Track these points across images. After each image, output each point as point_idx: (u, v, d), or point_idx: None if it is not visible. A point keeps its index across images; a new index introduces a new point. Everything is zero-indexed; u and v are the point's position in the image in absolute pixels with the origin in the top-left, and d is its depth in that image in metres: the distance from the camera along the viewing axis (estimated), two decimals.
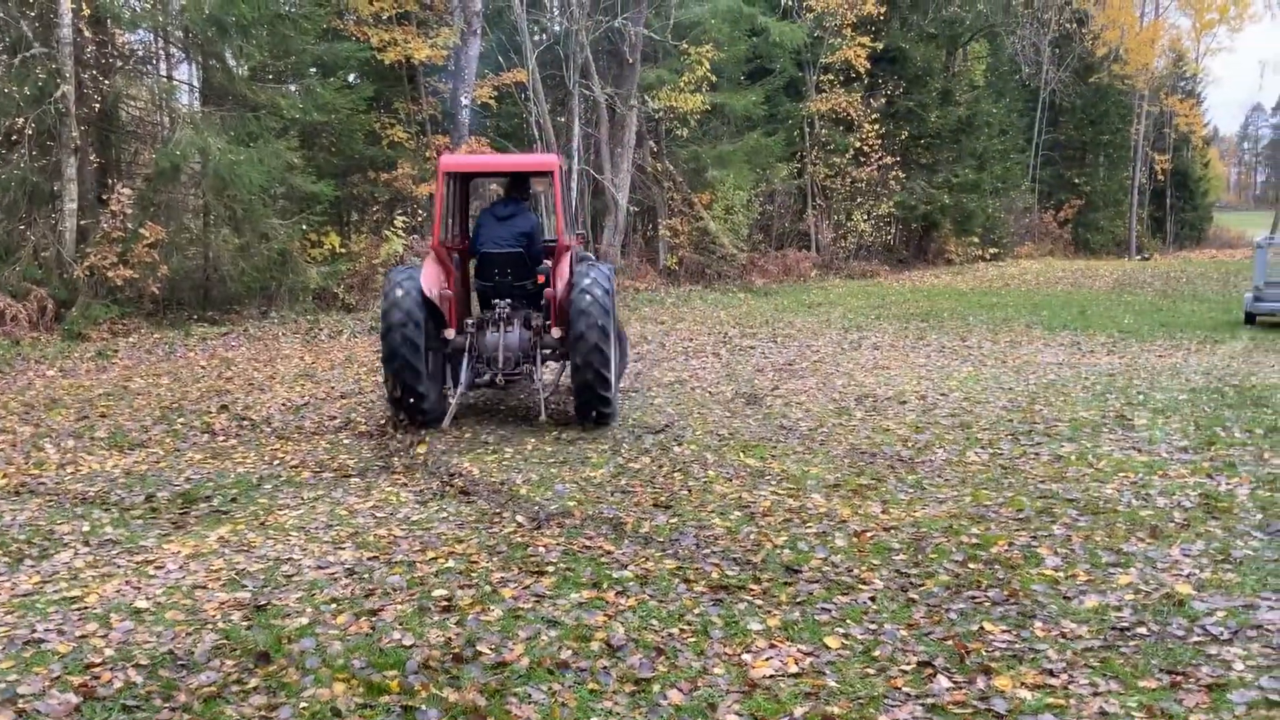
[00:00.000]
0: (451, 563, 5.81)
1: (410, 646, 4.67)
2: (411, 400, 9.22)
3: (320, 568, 5.78)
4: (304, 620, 4.99)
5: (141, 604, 5.24)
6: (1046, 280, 30.11)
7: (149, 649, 4.69)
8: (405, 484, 7.64)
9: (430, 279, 9.36)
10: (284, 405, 10.85)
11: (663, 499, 7.06)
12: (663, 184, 27.00)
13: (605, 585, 5.41)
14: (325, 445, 9.00)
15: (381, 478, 7.85)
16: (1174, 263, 39.73)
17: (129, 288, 16.02)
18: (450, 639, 4.74)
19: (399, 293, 9.11)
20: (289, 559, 5.93)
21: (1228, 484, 7.26)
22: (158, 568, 5.81)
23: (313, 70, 19.89)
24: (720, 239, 26.81)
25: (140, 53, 19.37)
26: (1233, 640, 4.56)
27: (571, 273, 9.38)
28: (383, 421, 9.84)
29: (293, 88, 19.07)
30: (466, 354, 9.59)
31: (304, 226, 18.36)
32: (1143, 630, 4.72)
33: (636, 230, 28.50)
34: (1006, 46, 43.45)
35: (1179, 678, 4.20)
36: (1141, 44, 43.53)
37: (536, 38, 25.72)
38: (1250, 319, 18.69)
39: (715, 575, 5.54)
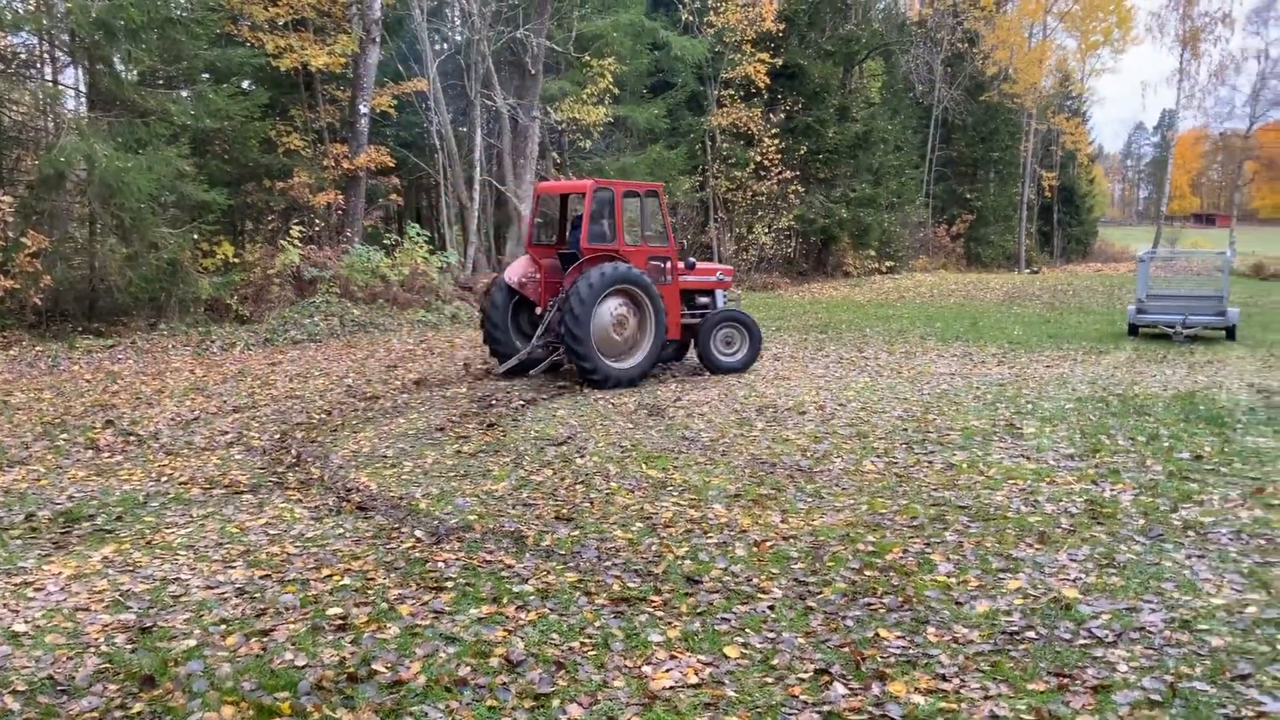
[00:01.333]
0: (347, 580, 5.69)
1: (303, 667, 4.56)
2: (491, 345, 13.32)
3: (209, 587, 5.61)
4: (191, 642, 4.84)
5: (19, 627, 5.02)
6: (940, 292, 30.89)
7: (27, 674, 4.49)
8: (300, 500, 7.47)
9: (515, 270, 13.23)
10: (173, 420, 10.53)
11: (565, 511, 7.04)
12: None
13: (505, 600, 5.36)
14: (216, 461, 8.76)
15: (275, 494, 7.66)
16: (1061, 276, 41.11)
17: (9, 299, 15.39)
18: (345, 658, 4.65)
19: (500, 278, 13.24)
20: (176, 579, 5.75)
21: (1112, 490, 7.52)
22: (37, 589, 5.58)
23: (205, 76, 19.40)
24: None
25: (23, 56, 18.64)
26: (1117, 642, 4.72)
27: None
28: (279, 436, 9.62)
29: (184, 93, 18.57)
30: (542, 325, 12.96)
31: (195, 236, 17.88)
32: (1031, 634, 4.85)
33: None
34: (901, 65, 44.57)
35: (1066, 680, 4.32)
36: (1030, 64, 45.05)
37: (437, 47, 25.54)
38: (1133, 330, 19.43)
39: (617, 587, 5.54)
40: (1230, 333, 19.00)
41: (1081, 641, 4.75)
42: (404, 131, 24.99)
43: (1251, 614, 5.01)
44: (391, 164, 22.36)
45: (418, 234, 21.69)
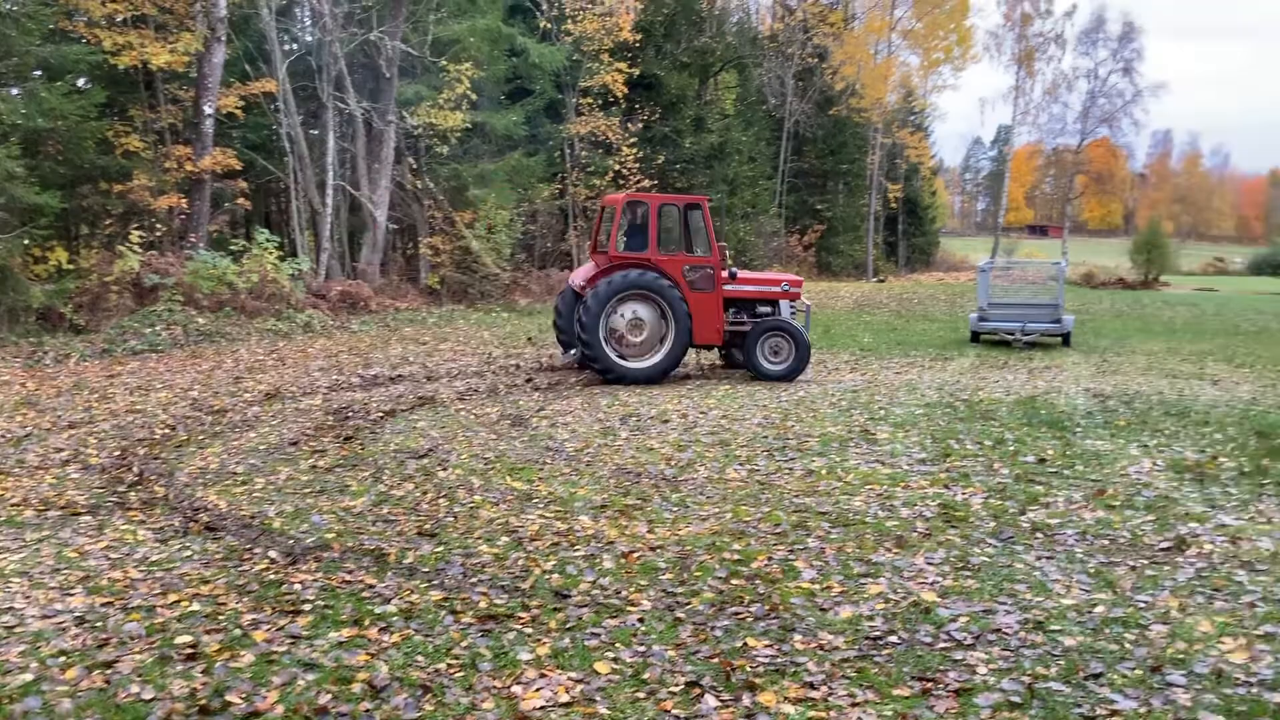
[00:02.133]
0: (196, 605, 5.41)
1: (151, 700, 4.30)
2: (559, 337, 14.72)
3: (46, 617, 5.26)
4: (28, 676, 4.52)
5: None
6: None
7: None
8: (143, 521, 7.09)
9: (579, 274, 14.57)
10: (2, 437, 9.88)
11: (427, 527, 6.87)
12: (423, 202, 26.54)
13: (367, 621, 5.18)
14: (51, 480, 8.24)
15: (116, 515, 7.24)
16: (906, 284, 42.58)
17: None
18: (196, 689, 4.41)
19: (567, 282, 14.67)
20: (9, 608, 5.37)
21: (963, 494, 7.78)
22: None
23: (37, 73, 18.34)
24: (482, 258, 26.60)
25: None
26: (975, 645, 4.86)
27: None
28: (119, 453, 9.12)
29: (14, 91, 17.51)
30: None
31: (26, 241, 16.85)
32: (894, 639, 4.95)
33: (396, 248, 27.89)
34: (754, 78, 45.45)
35: (929, 684, 4.42)
36: (876, 80, 46.52)
37: (287, 47, 24.77)
38: (975, 337, 20.23)
39: (483, 604, 5.42)
40: (1066, 339, 19.97)
41: (942, 645, 4.87)
42: (252, 134, 24.14)
43: (1100, 613, 5.23)
44: (238, 167, 21.58)
45: (267, 240, 20.97)
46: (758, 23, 51.71)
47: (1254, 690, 4.31)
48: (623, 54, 31.62)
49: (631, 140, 32.12)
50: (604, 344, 13.46)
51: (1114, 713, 4.12)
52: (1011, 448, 9.54)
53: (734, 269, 14.46)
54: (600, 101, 32.01)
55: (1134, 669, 4.54)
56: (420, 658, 4.75)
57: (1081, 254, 62.11)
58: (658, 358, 13.69)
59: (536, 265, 31.04)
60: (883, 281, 44.80)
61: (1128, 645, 4.82)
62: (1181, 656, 4.67)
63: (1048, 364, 16.73)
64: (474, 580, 5.81)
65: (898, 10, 49.69)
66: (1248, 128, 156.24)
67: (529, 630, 5.08)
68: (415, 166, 26.38)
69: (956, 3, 49.09)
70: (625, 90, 31.65)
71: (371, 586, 5.70)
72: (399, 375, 14.11)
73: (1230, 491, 7.90)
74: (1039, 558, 6.19)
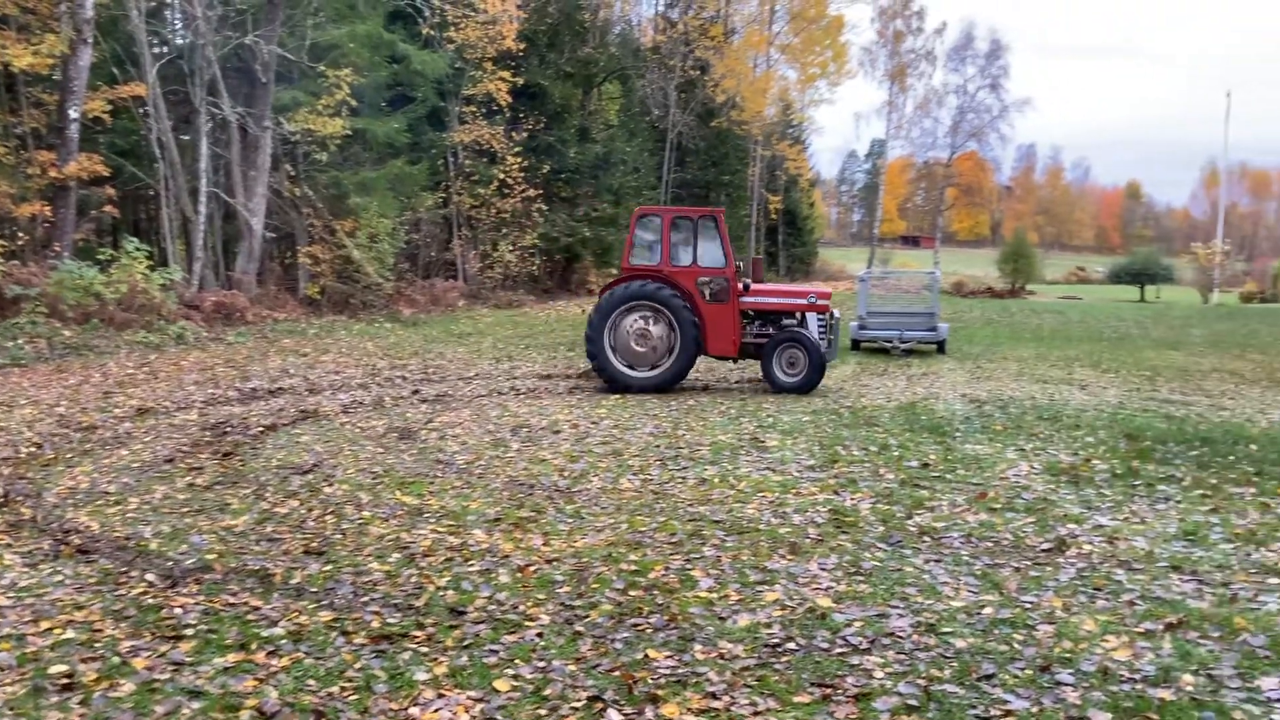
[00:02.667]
0: (71, 633, 5.13)
1: None
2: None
3: None
4: None
5: None
6: None
7: None
8: (9, 544, 6.69)
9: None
10: None
11: (314, 545, 6.66)
12: (302, 210, 25.90)
13: (254, 645, 4.98)
14: None
15: None
16: None
17: None
18: None
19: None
20: None
21: (852, 499, 7.91)
22: None
23: None
24: (364, 267, 26.09)
25: None
26: (871, 649, 4.92)
27: None
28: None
29: None
30: None
31: None
32: (792, 645, 4.99)
33: (274, 257, 27.14)
34: (637, 89, 45.73)
35: (829, 690, 4.46)
36: (755, 93, 47.29)
37: (157, 50, 23.88)
38: (855, 345, 20.69)
39: (376, 624, 5.27)
40: (941, 346, 20.58)
41: (839, 650, 4.93)
42: (120, 139, 23.17)
43: (988, 615, 5.36)
44: (106, 173, 20.68)
45: (136, 249, 20.15)
46: (640, 35, 52.08)
47: (1138, 687, 4.47)
48: (506, 63, 31.46)
49: (516, 149, 31.97)
50: (609, 353, 13.86)
51: (1008, 713, 4.22)
52: (896, 453, 9.75)
53: (747, 280, 14.48)
54: (484, 110, 31.78)
55: (1024, 669, 4.67)
56: (312, 681, 4.59)
57: (952, 264, 64.25)
58: (663, 368, 13.85)
59: (421, 275, 30.62)
60: None
61: (1017, 645, 4.95)
62: (1068, 655, 4.82)
63: (925, 371, 17.20)
64: (365, 599, 5.65)
65: (776, 25, 50.72)
66: (1106, 143, 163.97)
67: (425, 649, 4.96)
68: (293, 173, 25.73)
69: (832, 20, 50.39)
70: (509, 99, 31.50)
71: (257, 609, 5.50)
72: (279, 388, 13.71)
73: (1104, 493, 8.21)
74: (927, 561, 6.33)
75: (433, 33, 29.85)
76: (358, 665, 4.76)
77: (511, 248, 32.38)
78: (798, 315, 14.38)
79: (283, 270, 27.40)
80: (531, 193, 32.43)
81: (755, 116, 47.27)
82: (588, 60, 36.99)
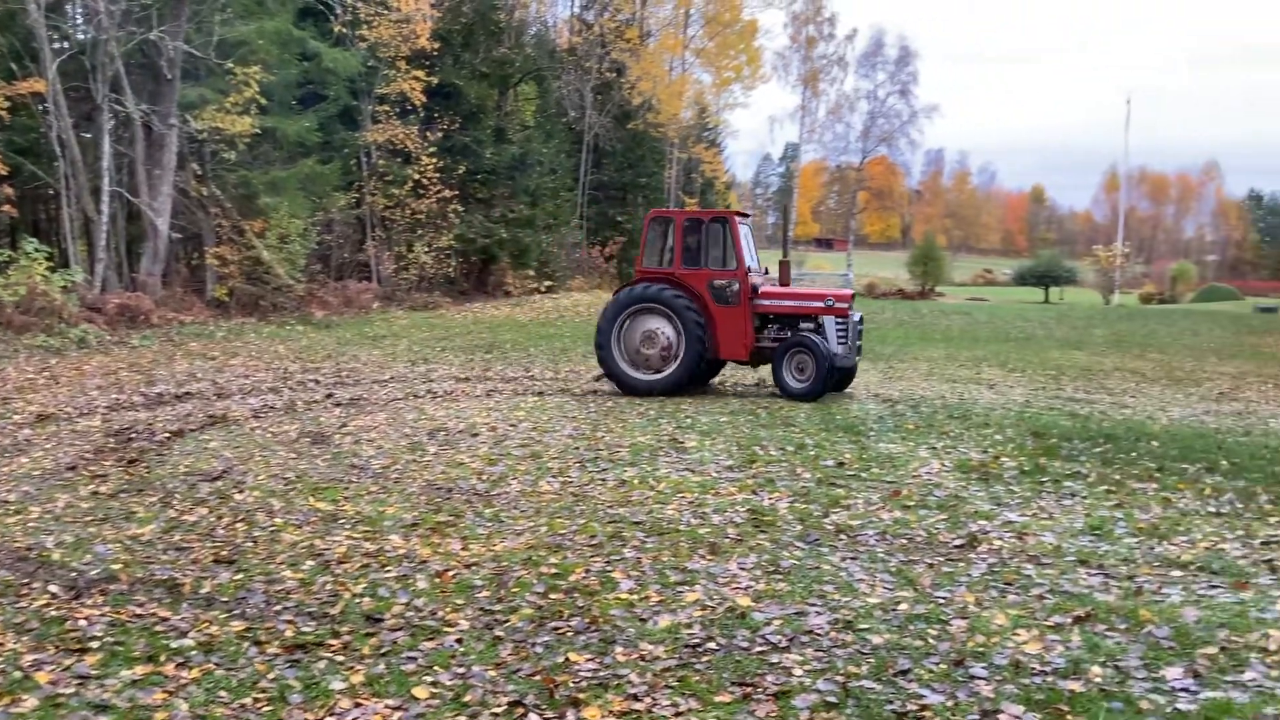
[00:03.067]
0: None
1: None
2: None
3: None
4: None
5: None
6: (596, 311, 31.75)
7: None
8: None
9: None
10: None
11: (225, 553, 6.49)
12: (209, 210, 25.27)
13: (163, 657, 4.84)
14: None
15: None
16: None
17: None
18: None
19: None
20: None
21: (770, 499, 7.99)
22: None
23: None
24: (275, 269, 25.56)
25: None
26: (790, 647, 4.96)
27: None
28: None
29: None
30: None
31: None
32: (713, 645, 5.00)
33: (180, 259, 26.45)
34: (553, 90, 45.58)
35: (749, 689, 4.48)
36: (671, 96, 47.48)
37: (57, 45, 23.08)
38: None
39: (290, 633, 5.16)
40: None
41: (759, 649, 4.96)
42: (18, 137, 22.32)
43: (904, 610, 5.45)
44: (3, 172, 19.98)
45: (36, 250, 19.47)
46: (556, 36, 51.93)
47: (1049, 679, 4.57)
48: (420, 62, 31.10)
49: (431, 149, 31.62)
50: (617, 356, 13.87)
51: (924, 708, 4.28)
52: (812, 452, 9.87)
53: (755, 283, 13.98)
54: (398, 109, 31.38)
55: (939, 664, 4.75)
56: (224, 693, 4.47)
57: (864, 266, 65.28)
58: (667, 372, 13.76)
59: (333, 276, 30.09)
60: None
61: (931, 641, 5.04)
62: (981, 649, 4.91)
63: None
64: (278, 608, 5.53)
65: (691, 29, 50.96)
66: (1010, 148, 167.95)
67: (341, 658, 4.87)
68: (200, 173, 25.08)
69: (745, 25, 50.85)
70: (424, 99, 31.14)
71: (166, 619, 5.34)
72: (186, 393, 13.36)
73: (1013, 489, 8.41)
74: (844, 559, 6.41)
75: (344, 30, 29.39)
76: (271, 676, 4.65)
77: (427, 249, 32.02)
78: (815, 319, 13.85)
79: (189, 272, 26.72)
80: (447, 193, 32.09)
81: (671, 119, 47.46)
82: (503, 60, 36.73)
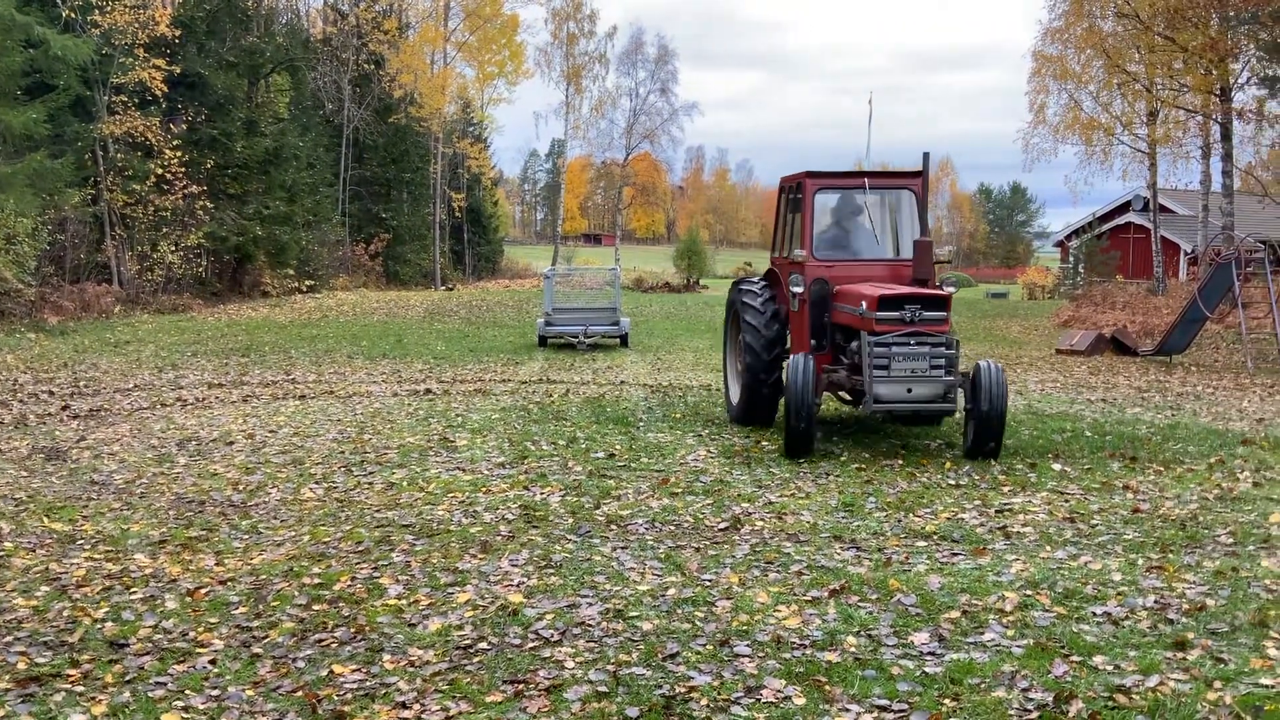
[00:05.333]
0: None
1: None
2: None
3: None
4: None
5: None
6: (363, 311, 30.93)
7: None
8: None
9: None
10: None
11: None
12: None
13: None
14: None
15: None
16: (475, 292, 43.19)
17: None
18: None
19: None
20: None
21: (542, 494, 7.98)
22: None
23: None
24: (1, 272, 23.43)
25: None
26: (562, 640, 4.97)
27: None
28: None
29: None
30: None
31: None
32: (484, 645, 4.94)
33: None
34: (309, 81, 43.97)
35: (521, 686, 4.45)
36: (433, 90, 46.72)
37: None
38: (543, 341, 20.93)
39: (22, 666, 4.73)
40: (624, 340, 21.24)
41: (531, 644, 4.94)
42: None
43: (672, 595, 5.56)
44: None
45: None
46: (310, 25, 50.09)
47: (809, 652, 4.77)
48: (161, 50, 29.26)
49: (176, 142, 29.82)
50: (728, 374, 11.87)
51: (691, 689, 4.38)
52: (584, 446, 9.94)
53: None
54: (137, 100, 29.39)
55: (706, 644, 4.87)
56: None
57: (632, 260, 66.47)
58: (733, 398, 11.32)
59: (68, 279, 27.88)
60: (452, 289, 45.13)
61: (699, 623, 5.16)
62: (745, 628, 5.08)
63: (610, 364, 17.67)
64: (9, 639, 5.06)
65: (452, 23, 50.29)
66: (765, 145, 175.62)
67: (80, 688, 4.51)
68: None
69: (507, 19, 50.62)
70: (165, 89, 29.32)
71: None
72: None
73: (773, 472, 8.75)
74: (615, 548, 6.48)
75: (74, 15, 27.28)
76: (2, 713, 4.25)
77: (174, 248, 30.17)
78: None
79: None
80: (195, 189, 30.34)
81: (434, 113, 46.71)
82: (252, 49, 35.05)
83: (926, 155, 10.24)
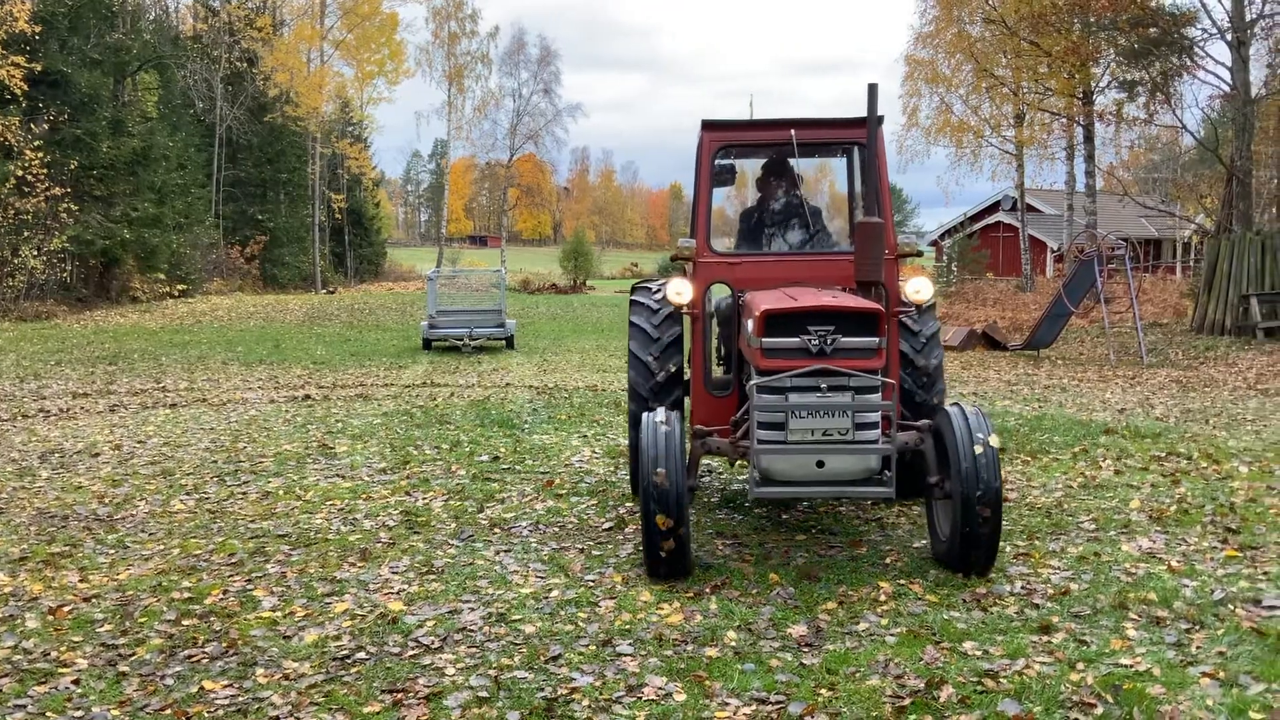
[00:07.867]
0: None
1: None
2: None
3: None
4: None
5: None
6: (239, 315, 30.08)
7: None
8: None
9: None
10: None
11: None
12: None
13: None
14: None
15: None
16: (357, 295, 42.42)
17: None
18: None
19: None
20: None
21: (424, 499, 7.88)
22: None
23: None
24: None
25: None
26: (443, 647, 4.90)
27: None
28: None
29: None
30: None
31: None
32: (362, 654, 4.85)
33: None
34: (178, 80, 42.57)
35: (400, 694, 4.37)
36: (310, 89, 45.67)
37: None
38: (427, 344, 20.69)
39: None
40: (510, 342, 21.14)
41: (411, 652, 4.86)
42: None
43: (555, 597, 5.54)
44: None
45: None
46: (179, 21, 48.50)
47: (690, 648, 4.80)
48: (19, 46, 27.98)
49: (37, 143, 28.55)
50: None
51: (574, 690, 4.37)
52: (468, 449, 9.85)
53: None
54: None
55: (588, 645, 4.86)
56: None
57: (518, 262, 66.18)
58: None
59: None
60: (333, 293, 44.24)
61: (581, 624, 5.15)
62: (628, 627, 5.09)
63: (495, 366, 17.56)
64: None
65: (328, 20, 49.25)
66: (650, 147, 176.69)
67: None
68: None
69: (386, 18, 49.72)
70: (26, 87, 28.05)
71: None
72: None
73: None
74: (498, 552, 6.43)
75: None
76: None
77: (36, 253, 28.89)
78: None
79: None
80: (57, 191, 29.10)
81: (312, 113, 45.69)
82: (118, 47, 33.80)
83: (873, 87, 6.51)
